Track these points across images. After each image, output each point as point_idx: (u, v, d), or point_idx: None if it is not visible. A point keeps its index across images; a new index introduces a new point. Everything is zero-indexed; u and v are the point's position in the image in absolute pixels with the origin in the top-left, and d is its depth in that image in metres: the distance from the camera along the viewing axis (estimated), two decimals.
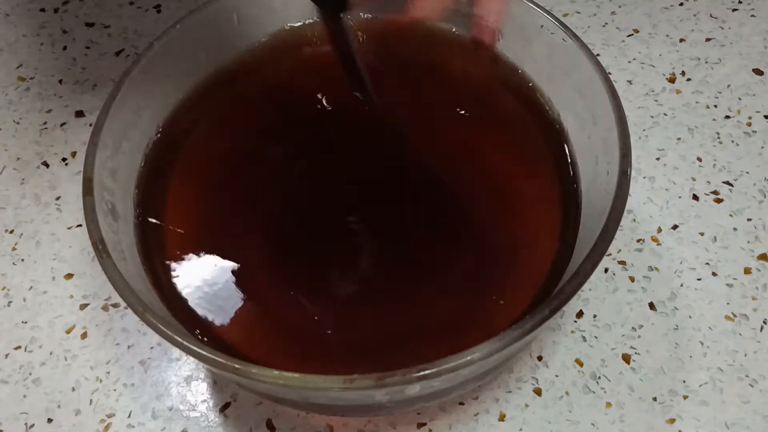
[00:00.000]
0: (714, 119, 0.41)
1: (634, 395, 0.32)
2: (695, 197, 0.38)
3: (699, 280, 0.35)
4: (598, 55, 0.42)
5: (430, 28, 0.34)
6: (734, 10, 0.46)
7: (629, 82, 0.42)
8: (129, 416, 0.32)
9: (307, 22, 0.35)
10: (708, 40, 0.44)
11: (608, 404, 0.32)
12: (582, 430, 0.31)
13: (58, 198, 0.39)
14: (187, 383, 0.33)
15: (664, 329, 0.34)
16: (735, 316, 0.34)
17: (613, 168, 0.26)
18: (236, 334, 0.27)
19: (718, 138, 0.40)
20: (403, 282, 0.29)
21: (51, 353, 0.34)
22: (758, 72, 0.43)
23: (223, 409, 0.32)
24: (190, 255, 0.29)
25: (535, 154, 0.32)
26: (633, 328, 0.34)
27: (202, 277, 0.29)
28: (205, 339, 0.27)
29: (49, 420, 0.32)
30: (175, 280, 0.28)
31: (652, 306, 0.34)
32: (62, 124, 0.42)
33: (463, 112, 0.33)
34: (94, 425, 0.32)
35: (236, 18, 0.33)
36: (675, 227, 0.37)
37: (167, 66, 0.32)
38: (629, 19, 0.46)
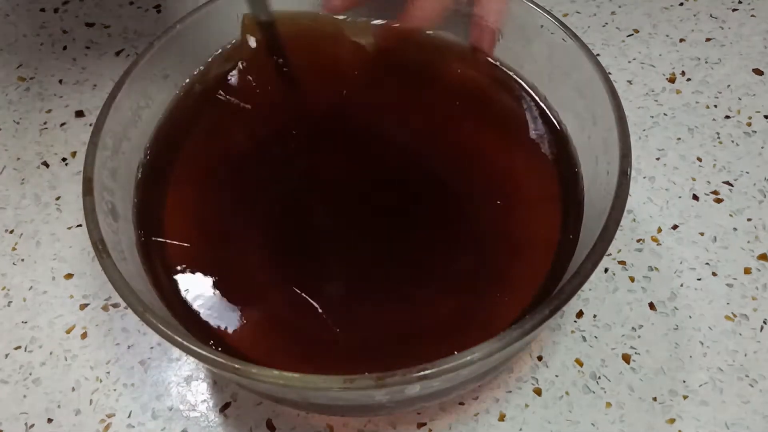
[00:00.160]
0: (714, 119, 0.41)
1: (634, 395, 0.32)
2: (695, 197, 0.38)
3: (699, 280, 0.35)
4: (598, 55, 0.42)
5: (428, 33, 0.34)
6: (734, 10, 0.46)
7: (629, 82, 0.42)
8: (129, 416, 0.32)
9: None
10: (708, 40, 0.44)
11: (608, 404, 0.32)
12: (582, 430, 0.31)
13: (58, 198, 0.39)
14: (187, 383, 0.33)
15: (664, 329, 0.34)
16: (735, 316, 0.34)
17: (613, 168, 0.26)
18: (236, 333, 0.27)
19: (718, 138, 0.40)
20: (404, 282, 0.29)
21: (51, 353, 0.34)
22: (758, 72, 0.43)
23: (223, 409, 0.32)
24: (190, 255, 0.29)
25: (535, 155, 0.32)
26: (633, 328, 0.34)
27: (203, 277, 0.29)
28: (205, 339, 0.27)
29: (49, 420, 0.32)
30: (174, 280, 0.28)
31: (652, 306, 0.34)
32: (62, 124, 0.42)
33: (462, 113, 0.33)
34: (94, 425, 0.32)
35: (237, 18, 0.33)
36: (675, 227, 0.37)
37: (167, 66, 0.32)
38: (629, 19, 0.46)
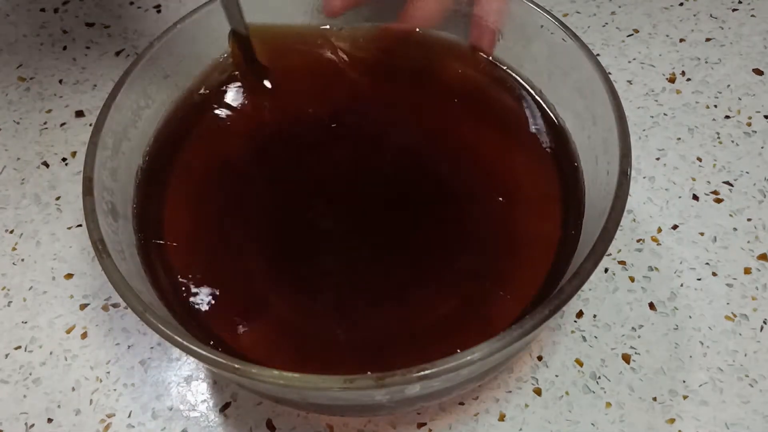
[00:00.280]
0: (714, 119, 0.41)
1: (634, 395, 0.32)
2: (695, 197, 0.38)
3: (699, 280, 0.35)
4: (598, 55, 0.42)
5: (428, 33, 0.34)
6: (734, 10, 0.46)
7: (629, 82, 0.42)
8: (129, 416, 0.32)
9: (309, 23, 0.35)
10: (708, 40, 0.44)
11: (608, 404, 0.32)
12: (582, 430, 0.31)
13: (58, 198, 0.39)
14: (187, 383, 0.33)
15: (664, 329, 0.34)
16: (735, 316, 0.34)
17: (613, 168, 0.26)
18: (236, 333, 0.27)
19: (718, 138, 0.40)
20: (403, 282, 0.29)
21: (51, 353, 0.34)
22: (758, 72, 0.43)
23: (223, 409, 0.32)
24: (190, 255, 0.29)
25: (535, 154, 0.32)
26: (633, 328, 0.34)
27: (202, 277, 0.29)
28: (205, 339, 0.27)
29: (49, 420, 0.32)
30: (174, 280, 0.28)
31: (652, 306, 0.34)
32: (62, 124, 0.42)
33: (462, 112, 0.33)
34: (94, 425, 0.32)
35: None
36: (675, 227, 0.37)
37: (167, 66, 0.32)
38: (629, 19, 0.46)
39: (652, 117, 0.41)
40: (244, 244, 0.30)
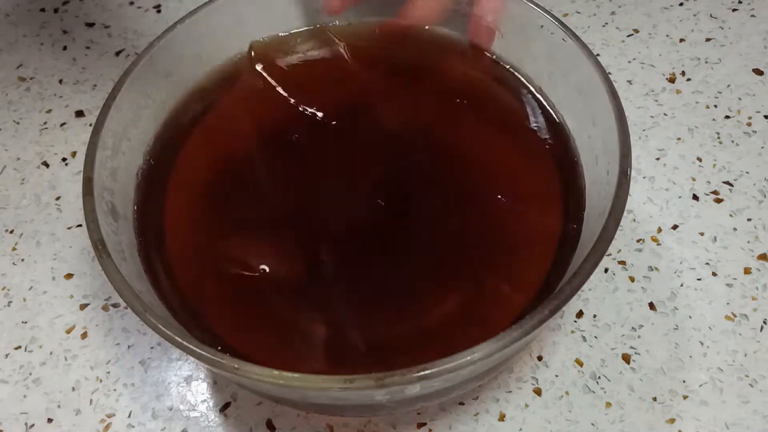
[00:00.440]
0: (714, 119, 0.41)
1: (634, 395, 0.32)
2: (695, 197, 0.38)
3: (699, 280, 0.35)
4: (598, 55, 0.42)
5: (428, 30, 0.34)
6: (734, 10, 0.46)
7: (629, 82, 0.42)
8: (129, 416, 0.32)
9: (312, 25, 0.35)
10: (708, 40, 0.44)
11: (608, 404, 0.32)
12: (582, 430, 0.31)
13: (58, 198, 0.39)
14: (187, 383, 0.33)
15: (664, 329, 0.34)
16: (735, 316, 0.34)
17: (613, 168, 0.26)
18: (236, 333, 0.27)
19: (718, 138, 0.40)
20: (403, 282, 0.29)
21: (51, 353, 0.34)
22: (758, 72, 0.43)
23: (223, 409, 0.32)
24: (190, 255, 0.29)
25: (535, 154, 0.32)
26: (633, 328, 0.34)
27: (203, 277, 0.29)
28: (205, 339, 0.27)
29: (49, 420, 0.32)
30: (174, 280, 0.28)
31: (652, 306, 0.34)
32: (62, 124, 0.42)
33: (462, 110, 0.33)
34: (94, 425, 0.32)
35: (237, 17, 0.33)
36: (675, 227, 0.37)
37: (167, 66, 0.32)
38: (629, 19, 0.46)
39: (652, 117, 0.41)
40: (245, 245, 0.30)
